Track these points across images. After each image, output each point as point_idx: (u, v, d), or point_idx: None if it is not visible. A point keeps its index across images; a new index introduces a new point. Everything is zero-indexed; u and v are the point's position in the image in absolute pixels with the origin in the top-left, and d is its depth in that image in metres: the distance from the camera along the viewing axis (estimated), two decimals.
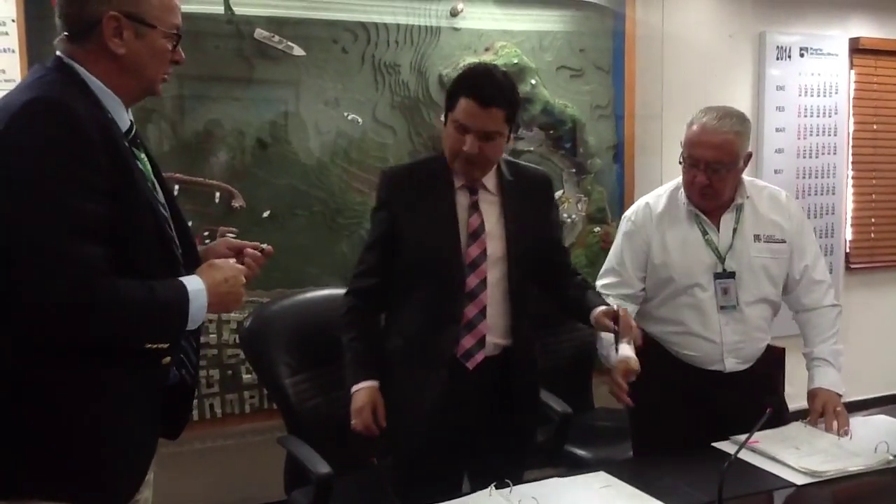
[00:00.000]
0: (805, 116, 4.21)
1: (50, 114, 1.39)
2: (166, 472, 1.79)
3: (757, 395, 2.19)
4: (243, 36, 2.97)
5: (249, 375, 2.99)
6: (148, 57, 1.54)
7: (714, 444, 2.11)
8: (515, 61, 3.37)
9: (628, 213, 2.45)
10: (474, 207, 2.06)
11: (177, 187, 2.84)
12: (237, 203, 2.98)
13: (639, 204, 2.43)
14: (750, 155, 2.29)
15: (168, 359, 1.56)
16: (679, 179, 2.34)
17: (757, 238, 2.30)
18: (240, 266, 1.66)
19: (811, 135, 4.23)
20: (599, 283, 2.44)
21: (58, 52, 1.53)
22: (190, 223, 2.83)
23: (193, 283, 1.54)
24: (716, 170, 2.19)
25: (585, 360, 3.13)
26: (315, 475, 2.16)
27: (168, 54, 1.57)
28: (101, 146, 1.42)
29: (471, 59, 3.28)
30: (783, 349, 2.69)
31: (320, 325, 2.58)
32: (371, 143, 3.18)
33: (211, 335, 2.94)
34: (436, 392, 2.01)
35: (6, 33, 2.67)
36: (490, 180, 2.08)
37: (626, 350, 2.01)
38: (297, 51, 3.04)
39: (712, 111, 2.23)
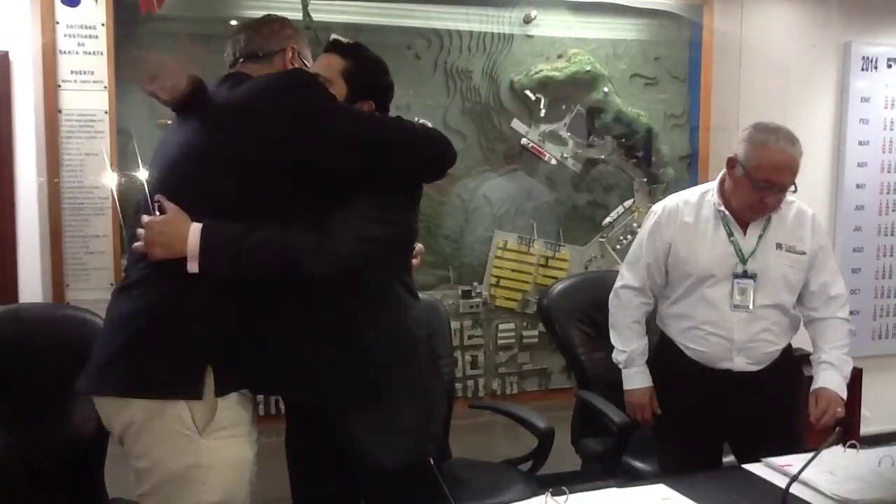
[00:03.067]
0: (891, 129, 4.06)
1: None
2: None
3: (770, 400, 2.34)
4: (320, 42, 3.03)
5: None
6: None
7: (744, 466, 2.08)
8: (588, 69, 3.35)
9: (655, 207, 2.54)
10: None
11: None
12: None
13: (666, 201, 2.51)
14: None
15: None
16: (710, 184, 2.45)
17: (779, 246, 2.37)
18: None
19: None
20: (619, 281, 2.58)
21: None
22: None
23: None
24: (784, 190, 2.28)
25: (652, 372, 3.07)
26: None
27: None
28: None
29: (543, 66, 3.29)
30: (859, 369, 2.65)
31: None
32: None
33: None
34: None
35: (96, 37, 2.80)
36: None
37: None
38: None
39: (781, 133, 2.28)
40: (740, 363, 2.36)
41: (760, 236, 2.36)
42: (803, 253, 2.38)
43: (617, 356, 2.56)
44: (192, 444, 1.67)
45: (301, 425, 2.03)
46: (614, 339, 2.58)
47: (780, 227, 2.38)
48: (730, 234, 2.37)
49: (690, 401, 2.42)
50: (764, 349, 2.37)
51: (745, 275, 2.34)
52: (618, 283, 2.59)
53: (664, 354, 2.52)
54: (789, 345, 2.46)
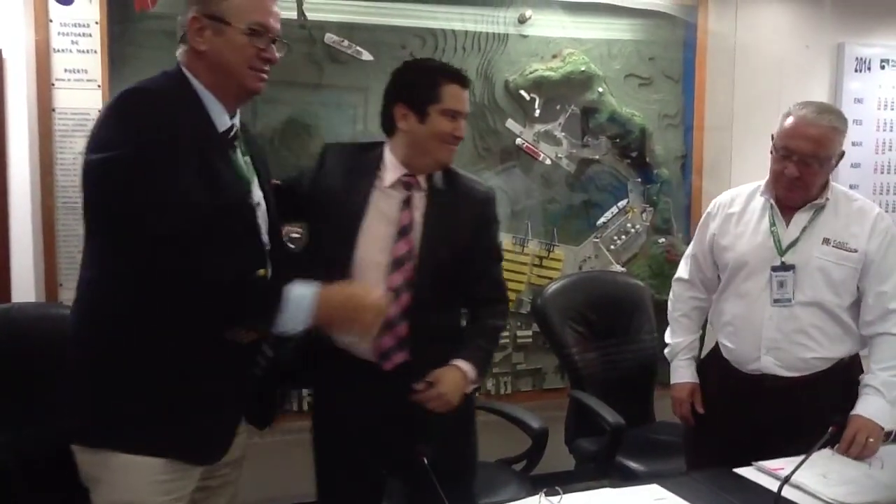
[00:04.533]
0: (884, 130, 4.07)
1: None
2: (256, 460, 1.88)
3: (809, 417, 2.07)
4: (314, 41, 3.03)
5: None
6: (228, 53, 1.65)
7: (735, 470, 2.03)
8: (583, 69, 3.36)
9: (713, 200, 2.48)
10: (406, 204, 2.03)
11: None
12: None
13: (724, 193, 2.46)
14: (843, 154, 2.23)
15: (254, 335, 1.69)
16: (762, 181, 2.32)
17: (826, 241, 2.22)
18: (374, 297, 1.72)
19: (890, 150, 4.09)
20: (676, 275, 2.55)
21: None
22: None
23: (300, 289, 1.63)
24: (808, 163, 2.15)
25: (646, 373, 3.09)
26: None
27: (250, 49, 1.66)
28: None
29: (537, 66, 3.28)
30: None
31: None
32: None
33: None
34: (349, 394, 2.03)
35: (90, 35, 2.79)
36: (422, 182, 2.06)
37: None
38: (366, 56, 3.09)
39: (811, 105, 2.19)
40: (768, 363, 2.23)
41: (805, 228, 2.23)
42: (854, 251, 2.20)
43: (666, 349, 2.53)
44: None
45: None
46: (666, 331, 2.55)
47: (832, 221, 2.23)
48: (772, 225, 2.26)
49: (721, 405, 2.34)
50: (799, 353, 2.21)
51: (782, 267, 2.22)
52: (675, 277, 2.57)
53: (710, 356, 2.46)
54: (848, 361, 2.27)
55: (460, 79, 2.03)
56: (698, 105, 3.59)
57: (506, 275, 3.30)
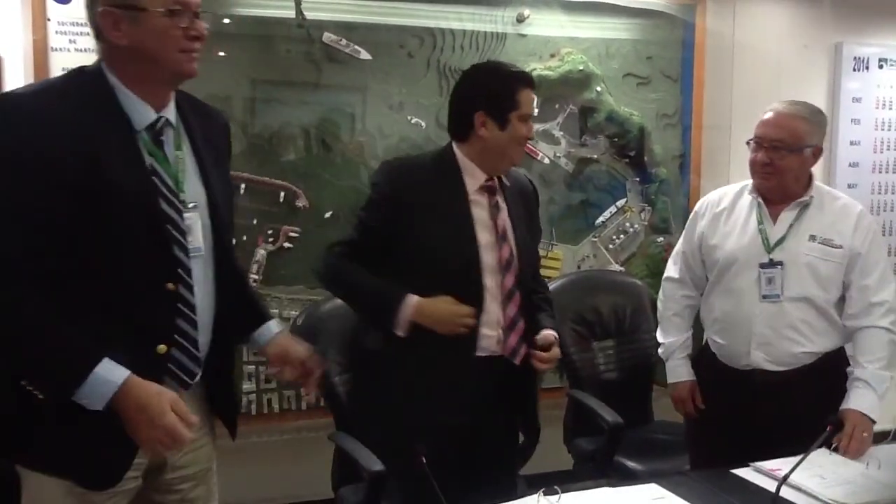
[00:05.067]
0: (882, 130, 4.08)
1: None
2: (223, 465, 1.84)
3: (801, 412, 2.12)
4: (313, 40, 3.03)
5: None
6: (151, 41, 1.51)
7: (733, 471, 2.03)
8: (581, 68, 3.35)
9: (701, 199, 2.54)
10: (496, 208, 2.09)
11: (243, 186, 2.92)
12: (301, 203, 3.04)
13: (712, 192, 2.51)
14: (820, 150, 2.31)
15: (164, 348, 1.55)
16: (750, 181, 2.38)
17: (812, 238, 2.28)
18: (172, 418, 1.47)
19: (888, 149, 4.10)
20: (665, 274, 2.58)
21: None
22: (254, 221, 2.96)
23: (110, 373, 1.44)
24: (776, 148, 2.22)
25: (645, 373, 3.09)
26: (367, 472, 2.18)
27: (175, 30, 1.52)
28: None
29: (536, 65, 3.28)
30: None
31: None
32: (434, 147, 3.19)
33: None
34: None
35: (88, 34, 2.74)
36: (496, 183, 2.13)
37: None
38: (364, 55, 3.09)
39: (786, 101, 2.30)
40: (758, 359, 2.26)
41: (792, 225, 2.29)
42: (840, 247, 2.25)
43: (660, 349, 2.56)
44: None
45: None
46: (658, 331, 2.58)
47: (817, 219, 2.29)
48: (759, 223, 2.31)
49: (714, 402, 2.38)
50: (789, 348, 2.25)
51: (771, 263, 2.26)
52: (664, 276, 2.60)
53: (701, 352, 2.49)
54: (835, 354, 2.31)
55: (531, 82, 2.11)
56: (696, 104, 3.59)
57: None
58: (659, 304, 2.59)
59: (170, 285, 1.55)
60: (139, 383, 1.46)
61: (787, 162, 2.24)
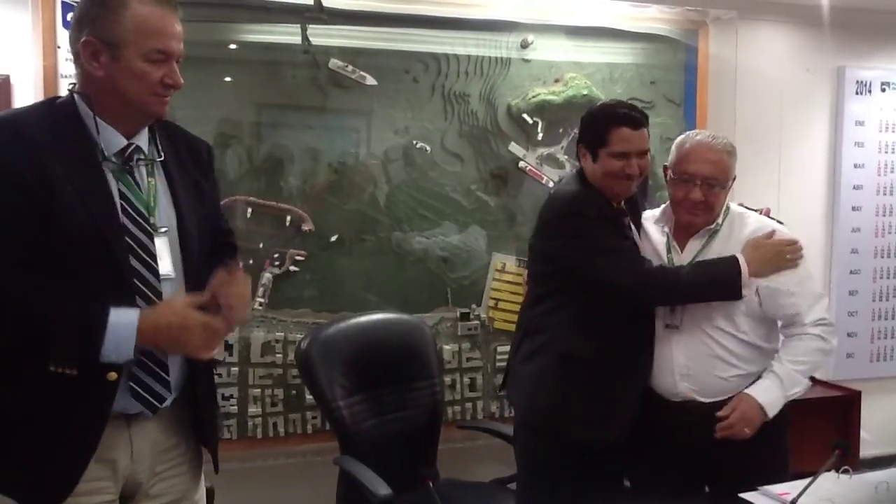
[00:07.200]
0: (886, 153, 4.09)
1: None
2: (229, 488, 1.83)
3: (744, 443, 2.11)
4: (318, 66, 3.06)
5: (312, 396, 3.03)
6: (126, 80, 1.55)
7: (741, 495, 2.00)
8: (585, 93, 3.38)
9: None
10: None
11: (249, 210, 2.94)
12: (307, 227, 3.05)
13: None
14: (734, 178, 2.31)
15: (114, 375, 1.53)
16: (658, 209, 2.42)
17: None
18: (197, 315, 1.55)
19: (891, 172, 4.11)
20: None
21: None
22: (261, 245, 2.98)
23: (122, 316, 1.49)
24: (711, 185, 2.22)
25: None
26: (375, 497, 2.17)
27: (152, 76, 1.56)
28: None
29: (540, 90, 3.31)
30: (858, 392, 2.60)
31: (376, 348, 2.60)
32: (439, 171, 3.23)
33: (277, 354, 3.01)
34: None
35: None
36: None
37: None
38: (370, 80, 3.11)
39: (703, 133, 2.33)
40: (685, 390, 2.22)
41: (697, 254, 2.26)
42: None
43: None
44: None
45: None
46: None
47: (725, 245, 2.25)
48: (668, 252, 2.31)
49: (655, 436, 2.28)
50: (712, 376, 2.21)
51: None
52: None
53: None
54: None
55: (630, 121, 2.24)
56: (700, 128, 3.58)
57: (510, 296, 3.34)
58: None
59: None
60: (149, 312, 1.53)
61: (719, 198, 2.26)
